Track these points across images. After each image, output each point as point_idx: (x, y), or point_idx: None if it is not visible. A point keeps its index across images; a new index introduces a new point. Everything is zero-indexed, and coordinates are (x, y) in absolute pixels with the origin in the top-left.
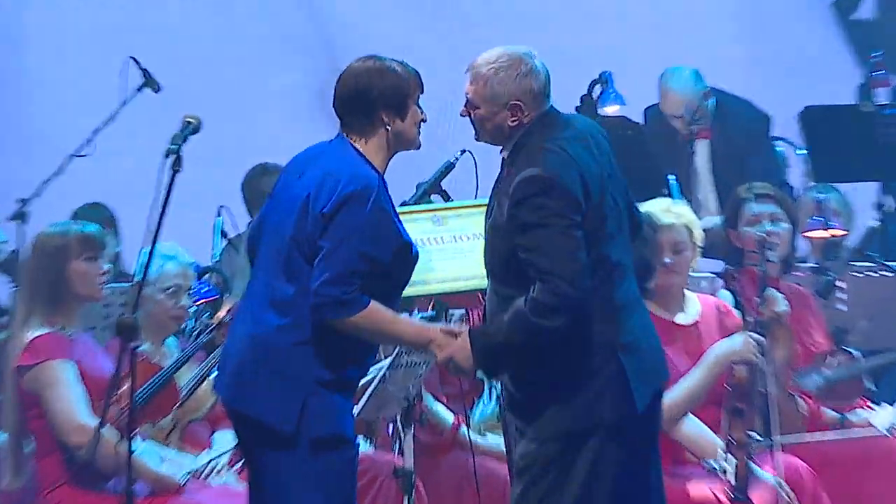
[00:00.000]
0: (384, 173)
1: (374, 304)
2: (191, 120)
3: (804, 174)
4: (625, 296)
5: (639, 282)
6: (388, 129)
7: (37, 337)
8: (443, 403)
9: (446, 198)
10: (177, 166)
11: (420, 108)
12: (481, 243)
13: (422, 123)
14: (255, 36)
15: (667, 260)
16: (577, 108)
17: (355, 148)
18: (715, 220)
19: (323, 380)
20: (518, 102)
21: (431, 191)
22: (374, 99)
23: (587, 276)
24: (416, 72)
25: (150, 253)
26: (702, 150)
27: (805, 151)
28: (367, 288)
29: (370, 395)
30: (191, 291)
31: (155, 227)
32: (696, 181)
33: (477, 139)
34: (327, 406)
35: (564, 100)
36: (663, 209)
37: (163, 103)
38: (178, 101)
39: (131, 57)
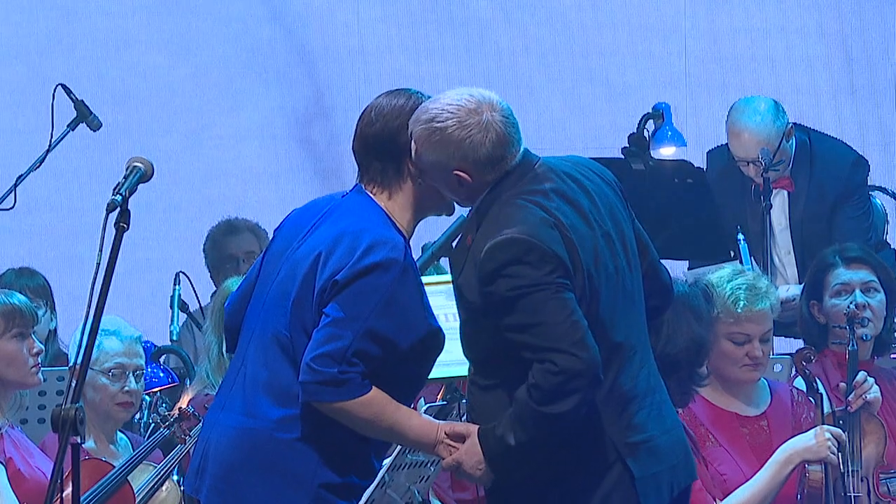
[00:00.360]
0: (410, 238)
1: (377, 392)
2: (139, 164)
3: None
4: (632, 384)
5: (689, 366)
6: (419, 184)
7: None
8: None
9: None
10: (122, 222)
11: None
12: None
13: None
14: (221, 63)
15: (758, 354)
16: (623, 150)
17: (377, 204)
18: (794, 290)
19: (330, 484)
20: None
21: (440, 254)
22: (405, 145)
23: (593, 343)
24: None
25: (92, 329)
26: (780, 204)
27: None
28: (373, 374)
29: (367, 500)
30: (137, 372)
31: (97, 297)
32: (771, 241)
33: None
34: None
35: (610, 138)
36: (748, 286)
37: (103, 143)
38: (122, 141)
39: (60, 84)
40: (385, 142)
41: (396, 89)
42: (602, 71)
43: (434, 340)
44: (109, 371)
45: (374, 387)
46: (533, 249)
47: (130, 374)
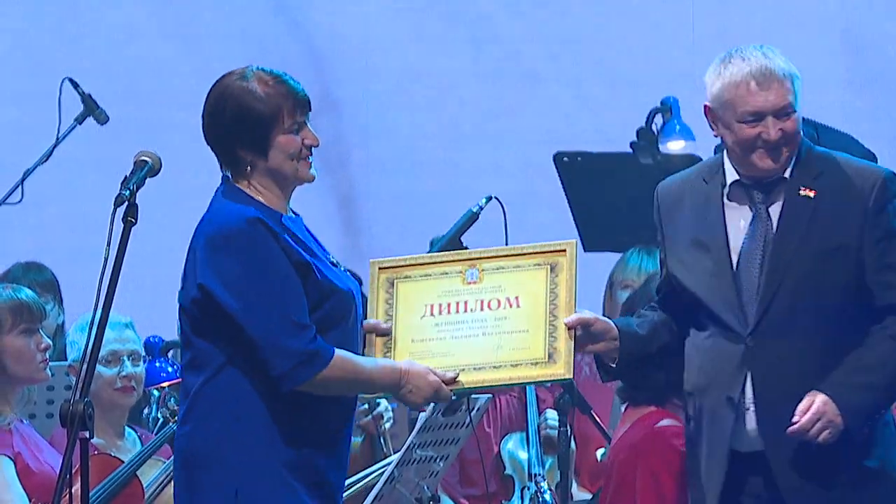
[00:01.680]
0: (286, 211)
1: (336, 350)
2: (147, 158)
3: None
4: None
5: None
6: (252, 168)
7: None
8: None
9: None
10: (130, 216)
11: (298, 133)
12: (526, 312)
13: (311, 150)
14: (227, 55)
15: None
16: (632, 145)
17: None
18: None
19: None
20: None
21: (449, 248)
22: (226, 133)
23: None
24: (293, 90)
25: (100, 324)
26: None
27: None
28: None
29: (375, 496)
30: (132, 356)
31: (105, 292)
32: None
33: (776, 168)
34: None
35: (619, 132)
36: None
37: (111, 137)
38: (130, 135)
39: (68, 78)
40: (206, 133)
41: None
42: (610, 64)
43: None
44: (103, 359)
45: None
46: None
47: (125, 359)
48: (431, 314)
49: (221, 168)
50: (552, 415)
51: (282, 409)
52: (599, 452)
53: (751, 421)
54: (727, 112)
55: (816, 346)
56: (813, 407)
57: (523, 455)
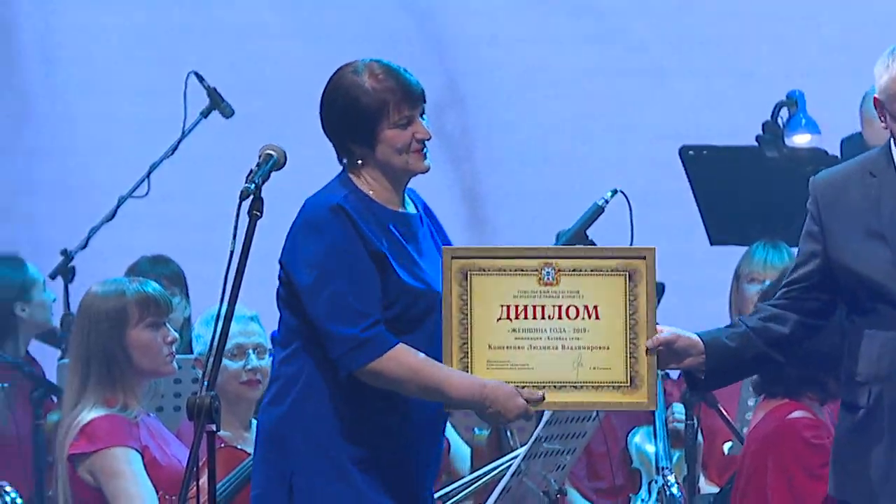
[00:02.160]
0: (397, 204)
1: (403, 345)
2: (272, 152)
3: None
4: None
5: None
6: (363, 161)
7: (93, 420)
8: (591, 502)
9: None
10: (256, 210)
11: (407, 128)
12: (606, 327)
13: (423, 142)
14: (353, 51)
15: None
16: (757, 138)
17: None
18: None
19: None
20: None
21: (574, 242)
22: (336, 127)
23: None
24: (403, 84)
25: (227, 317)
26: None
27: None
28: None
29: (503, 490)
30: (257, 349)
31: (231, 285)
32: None
33: None
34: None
35: (744, 126)
36: None
37: (236, 131)
38: (255, 128)
39: (193, 72)
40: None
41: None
42: (736, 58)
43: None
44: (229, 352)
45: (399, 342)
46: None
47: (251, 352)
48: (507, 317)
49: (339, 159)
50: (679, 408)
51: (348, 396)
52: (726, 446)
53: None
54: (894, 104)
55: None
56: None
57: (650, 448)
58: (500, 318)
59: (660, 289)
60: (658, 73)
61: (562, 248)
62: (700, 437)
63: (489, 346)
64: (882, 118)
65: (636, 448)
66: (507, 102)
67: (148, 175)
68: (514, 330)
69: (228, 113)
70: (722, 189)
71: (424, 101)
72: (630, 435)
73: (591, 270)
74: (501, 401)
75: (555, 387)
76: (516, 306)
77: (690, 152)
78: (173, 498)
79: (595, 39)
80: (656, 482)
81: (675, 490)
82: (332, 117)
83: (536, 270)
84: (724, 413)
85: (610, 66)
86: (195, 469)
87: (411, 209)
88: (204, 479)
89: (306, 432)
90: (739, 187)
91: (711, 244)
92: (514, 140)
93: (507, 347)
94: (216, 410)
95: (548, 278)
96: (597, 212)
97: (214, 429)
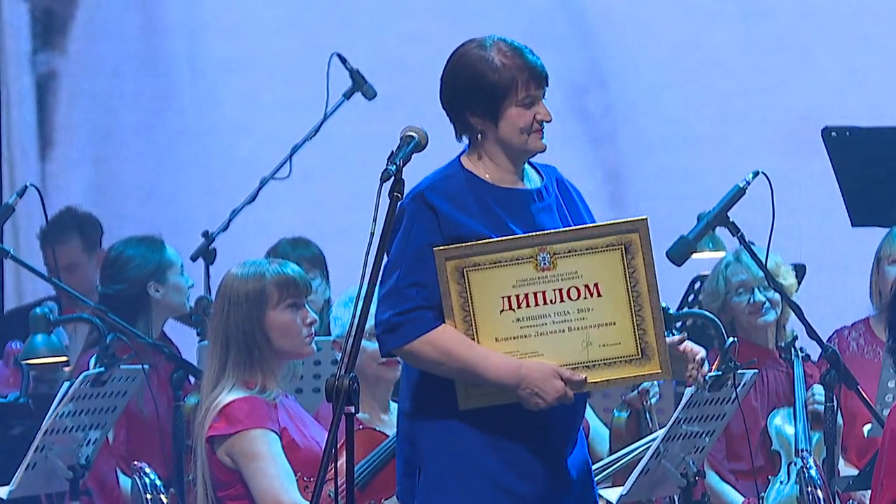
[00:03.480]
0: (512, 182)
1: (445, 329)
2: (413, 134)
3: None
4: None
5: None
6: (482, 136)
7: (232, 402)
8: (729, 483)
9: (735, 232)
10: (397, 192)
11: (531, 108)
12: (609, 302)
13: (543, 123)
14: (496, 31)
15: None
16: None
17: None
18: None
19: None
20: None
21: (716, 223)
22: (459, 99)
23: None
24: (530, 63)
25: (367, 299)
26: None
27: None
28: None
29: (641, 471)
30: None
31: (371, 267)
32: None
33: None
34: None
35: (889, 107)
36: None
37: (378, 112)
38: (397, 110)
39: (336, 54)
40: (443, 97)
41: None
42: (881, 38)
43: None
44: (368, 333)
45: (444, 324)
46: None
47: None
48: (510, 308)
49: (457, 136)
50: (819, 390)
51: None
52: (866, 428)
53: None
54: None
55: None
56: None
57: (790, 430)
58: (503, 310)
59: (801, 270)
60: (802, 53)
61: (552, 233)
62: (840, 419)
63: (496, 340)
64: None
65: (776, 430)
66: (650, 83)
67: (290, 157)
68: (518, 319)
69: (371, 94)
70: (865, 171)
71: (547, 84)
72: (770, 417)
73: (587, 249)
74: (539, 382)
75: (570, 369)
76: (517, 296)
77: (833, 133)
78: (311, 479)
79: (739, 18)
80: (795, 464)
81: (814, 472)
82: (456, 89)
83: (532, 258)
84: (865, 395)
85: (754, 45)
86: (333, 451)
87: (532, 184)
88: (342, 461)
89: (427, 425)
90: (883, 169)
91: (853, 226)
92: (657, 120)
93: (515, 338)
94: (355, 392)
95: (544, 264)
96: (738, 193)
97: (353, 410)
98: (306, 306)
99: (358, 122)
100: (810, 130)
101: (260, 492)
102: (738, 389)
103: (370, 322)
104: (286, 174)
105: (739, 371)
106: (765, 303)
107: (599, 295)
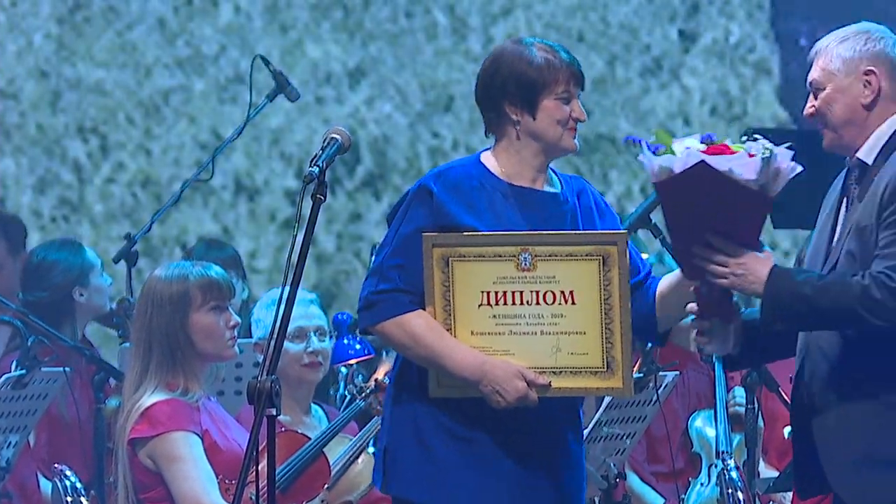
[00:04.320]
0: (531, 180)
1: (418, 315)
2: (336, 136)
3: None
4: None
5: None
6: (517, 128)
7: (154, 404)
8: (650, 485)
9: (657, 234)
10: (319, 194)
11: (568, 103)
12: (582, 311)
13: (577, 123)
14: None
15: None
16: None
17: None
18: None
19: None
20: (871, 68)
21: (638, 225)
22: (498, 89)
23: None
24: (569, 61)
25: (289, 301)
26: None
27: None
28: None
29: None
30: (318, 331)
31: (294, 268)
32: None
33: (826, 145)
34: None
35: None
36: None
37: (301, 115)
38: (321, 113)
39: (259, 56)
40: (483, 88)
41: (514, 39)
42: None
43: None
44: (290, 335)
45: (419, 310)
46: None
47: (312, 334)
48: (488, 303)
49: (486, 132)
50: (740, 392)
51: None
52: (787, 430)
53: None
54: None
55: None
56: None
57: (711, 432)
58: (481, 305)
59: None
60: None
61: (538, 234)
62: (760, 421)
63: (472, 333)
64: None
65: (696, 432)
66: None
67: (213, 158)
68: (494, 316)
69: (294, 97)
70: None
71: (583, 88)
72: (691, 419)
73: (567, 256)
74: (500, 380)
75: (536, 372)
76: (496, 292)
77: (747, 136)
78: (233, 482)
79: None
80: (716, 466)
81: (734, 474)
82: (496, 80)
83: (514, 256)
84: (785, 397)
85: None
86: (255, 453)
87: (553, 189)
88: (264, 463)
89: (398, 408)
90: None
91: (774, 227)
92: None
93: (489, 333)
94: (276, 394)
95: (525, 264)
96: None
97: (275, 413)
98: (229, 309)
99: (281, 123)
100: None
101: (181, 494)
102: (659, 391)
103: (293, 324)
104: (209, 176)
105: (661, 373)
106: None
107: (574, 303)
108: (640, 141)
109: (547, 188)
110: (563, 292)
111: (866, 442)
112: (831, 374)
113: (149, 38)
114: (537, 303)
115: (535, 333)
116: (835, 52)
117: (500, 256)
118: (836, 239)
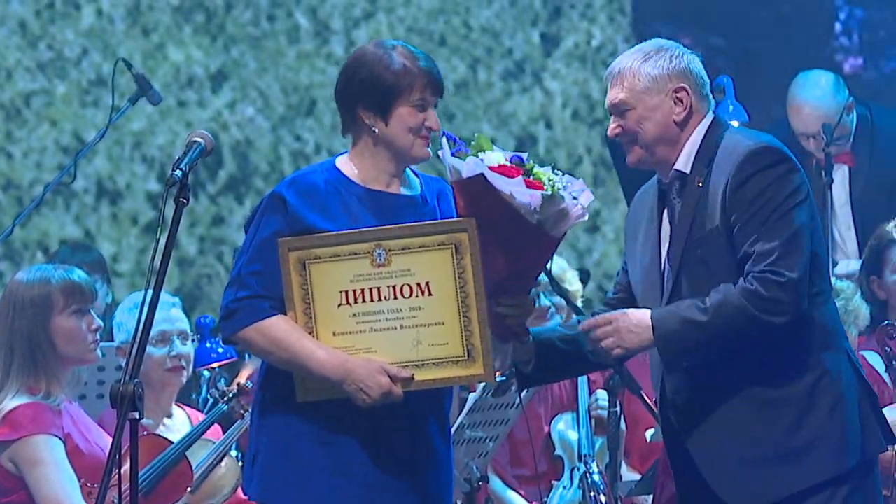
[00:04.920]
0: (386, 184)
1: (279, 320)
2: (199, 139)
3: None
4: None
5: None
6: (371, 133)
7: (16, 408)
8: (513, 489)
9: None
10: (182, 197)
11: (423, 111)
12: (439, 302)
13: (431, 132)
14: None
15: None
16: None
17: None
18: (853, 264)
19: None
20: (682, 85)
21: None
22: (354, 92)
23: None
24: (427, 69)
25: (152, 304)
26: (840, 179)
27: None
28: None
29: None
30: (181, 335)
31: (156, 272)
32: (831, 217)
33: (632, 162)
34: None
35: None
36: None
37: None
38: (183, 116)
39: (122, 59)
40: (338, 90)
41: (376, 41)
42: None
43: None
44: (153, 339)
45: (279, 315)
46: (787, 159)
47: (175, 338)
48: (347, 303)
49: (343, 132)
50: (602, 395)
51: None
52: (649, 433)
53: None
54: None
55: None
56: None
57: (573, 436)
58: (340, 305)
59: (585, 276)
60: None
61: (389, 228)
62: (623, 425)
63: (333, 334)
64: None
65: (559, 435)
66: None
67: (75, 162)
68: (354, 315)
69: (156, 100)
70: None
71: (441, 96)
72: (553, 422)
73: (420, 247)
74: (363, 378)
75: (399, 367)
76: (354, 291)
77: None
78: (95, 486)
79: None
80: (578, 469)
81: (596, 477)
82: (353, 82)
83: (368, 253)
84: (648, 400)
85: None
86: (117, 457)
87: (410, 191)
88: (126, 467)
89: (265, 414)
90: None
91: None
92: None
93: (350, 333)
94: (139, 398)
95: (380, 260)
96: None
97: (137, 416)
98: (91, 312)
99: (143, 127)
100: None
101: (43, 498)
102: (521, 395)
103: (156, 328)
104: (71, 180)
105: None
106: (549, 307)
107: (430, 294)
108: (453, 138)
109: (404, 191)
110: (419, 284)
111: (741, 443)
112: (696, 386)
113: (10, 40)
114: (395, 297)
115: (396, 328)
116: (641, 71)
117: (356, 254)
118: (666, 255)
